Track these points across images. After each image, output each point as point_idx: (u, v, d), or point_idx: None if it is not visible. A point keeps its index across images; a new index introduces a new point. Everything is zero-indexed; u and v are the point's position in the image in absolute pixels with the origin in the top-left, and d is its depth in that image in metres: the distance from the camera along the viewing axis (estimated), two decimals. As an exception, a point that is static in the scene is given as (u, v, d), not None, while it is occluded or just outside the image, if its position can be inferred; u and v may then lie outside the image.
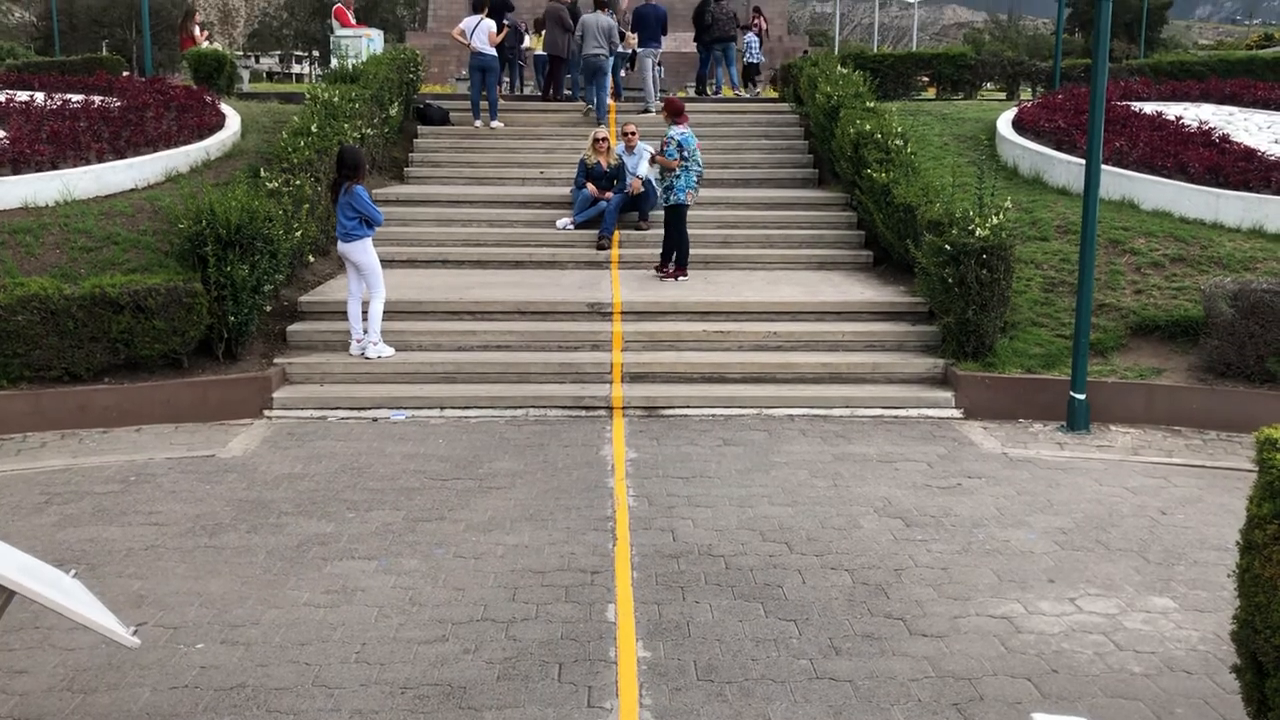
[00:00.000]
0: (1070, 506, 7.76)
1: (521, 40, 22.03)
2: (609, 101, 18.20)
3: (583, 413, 10.02)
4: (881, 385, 10.55)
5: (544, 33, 19.53)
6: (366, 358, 10.61)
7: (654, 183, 13.96)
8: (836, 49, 41.87)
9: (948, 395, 10.28)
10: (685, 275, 12.65)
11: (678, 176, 12.35)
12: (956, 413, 10.13)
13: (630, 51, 19.97)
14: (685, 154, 12.33)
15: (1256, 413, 9.45)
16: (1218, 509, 7.73)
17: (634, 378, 10.49)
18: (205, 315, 10.00)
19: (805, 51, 27.39)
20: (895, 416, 10.05)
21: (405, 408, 10.06)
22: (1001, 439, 9.48)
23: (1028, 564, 6.68)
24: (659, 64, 20.00)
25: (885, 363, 10.77)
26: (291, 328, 11.05)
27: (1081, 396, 9.69)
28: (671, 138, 12.42)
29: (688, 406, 10.13)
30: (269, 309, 10.86)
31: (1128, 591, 6.29)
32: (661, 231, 12.89)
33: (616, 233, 13.82)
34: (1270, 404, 9.59)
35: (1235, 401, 9.76)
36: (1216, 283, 10.31)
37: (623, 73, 20.86)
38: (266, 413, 9.98)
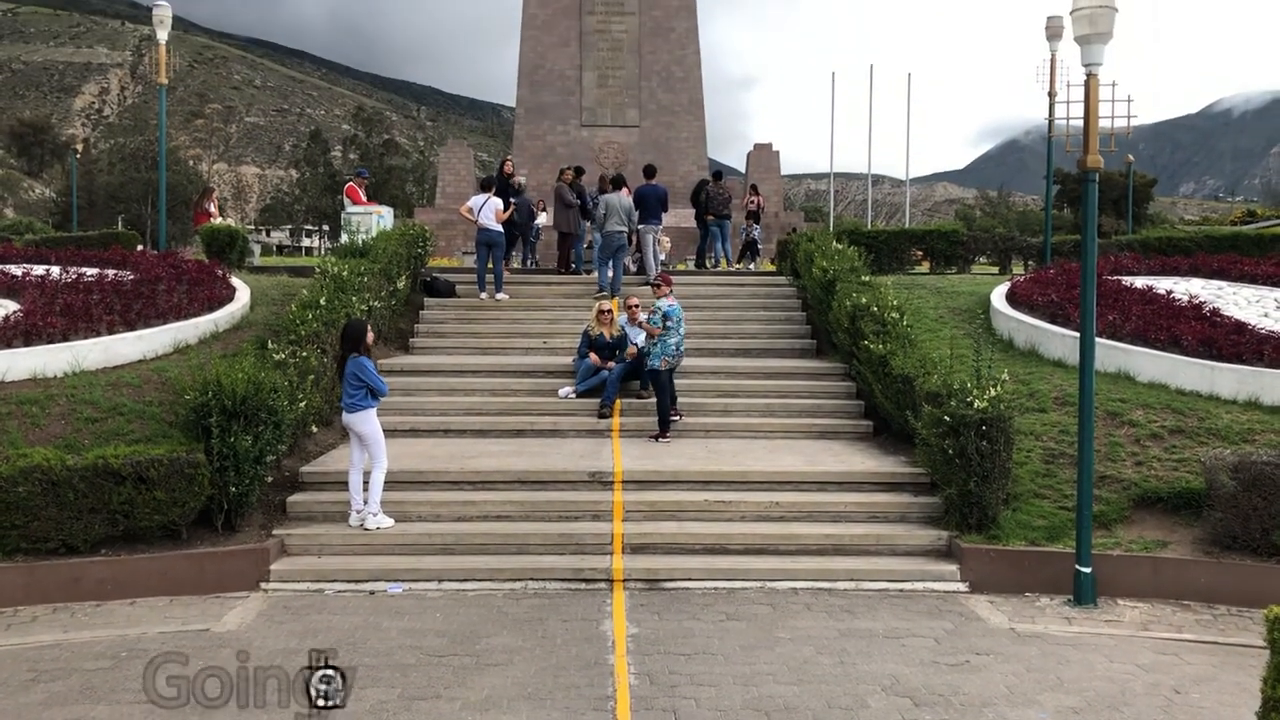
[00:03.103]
0: (1081, 684, 7.57)
1: (534, 218, 22.73)
2: (609, 275, 18.62)
3: (582, 585, 9.87)
4: (886, 558, 10.44)
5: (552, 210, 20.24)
6: (366, 529, 10.53)
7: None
8: (831, 224, 43.16)
9: (952, 568, 10.16)
10: (665, 438, 13.08)
11: (655, 344, 13.17)
12: (962, 586, 9.99)
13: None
14: (670, 323, 13.16)
15: (1266, 587, 9.33)
16: (1233, 688, 7.54)
17: (635, 549, 10.40)
18: (206, 486, 9.99)
19: (795, 229, 28.26)
20: (900, 590, 9.90)
21: (403, 580, 9.93)
22: (1008, 614, 9.33)
23: (1041, 746, 6.47)
24: (659, 239, 20.56)
25: (889, 534, 10.68)
26: (292, 498, 11.02)
27: (1087, 570, 9.58)
28: (659, 307, 13.30)
29: (689, 579, 9.99)
30: (270, 479, 10.84)
31: (1146, 776, 6.07)
32: (665, 400, 13.27)
33: (618, 401, 13.95)
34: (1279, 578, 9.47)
35: (1243, 576, 9.64)
36: (1216, 455, 10.33)
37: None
38: (263, 585, 9.85)
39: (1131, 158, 54.29)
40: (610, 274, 18.43)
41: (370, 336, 11.14)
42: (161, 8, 19.64)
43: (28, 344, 12.13)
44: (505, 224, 18.56)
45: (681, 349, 13.48)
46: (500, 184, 20.42)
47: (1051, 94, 21.99)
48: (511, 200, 19.87)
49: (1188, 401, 12.27)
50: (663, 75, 35.42)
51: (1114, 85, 10.25)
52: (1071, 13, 9.69)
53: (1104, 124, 10.09)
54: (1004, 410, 10.46)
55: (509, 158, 22.06)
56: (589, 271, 19.91)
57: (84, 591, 9.53)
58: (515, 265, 20.25)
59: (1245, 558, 9.79)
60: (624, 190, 18.83)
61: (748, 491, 11.30)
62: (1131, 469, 11.11)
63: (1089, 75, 9.77)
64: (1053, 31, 21.42)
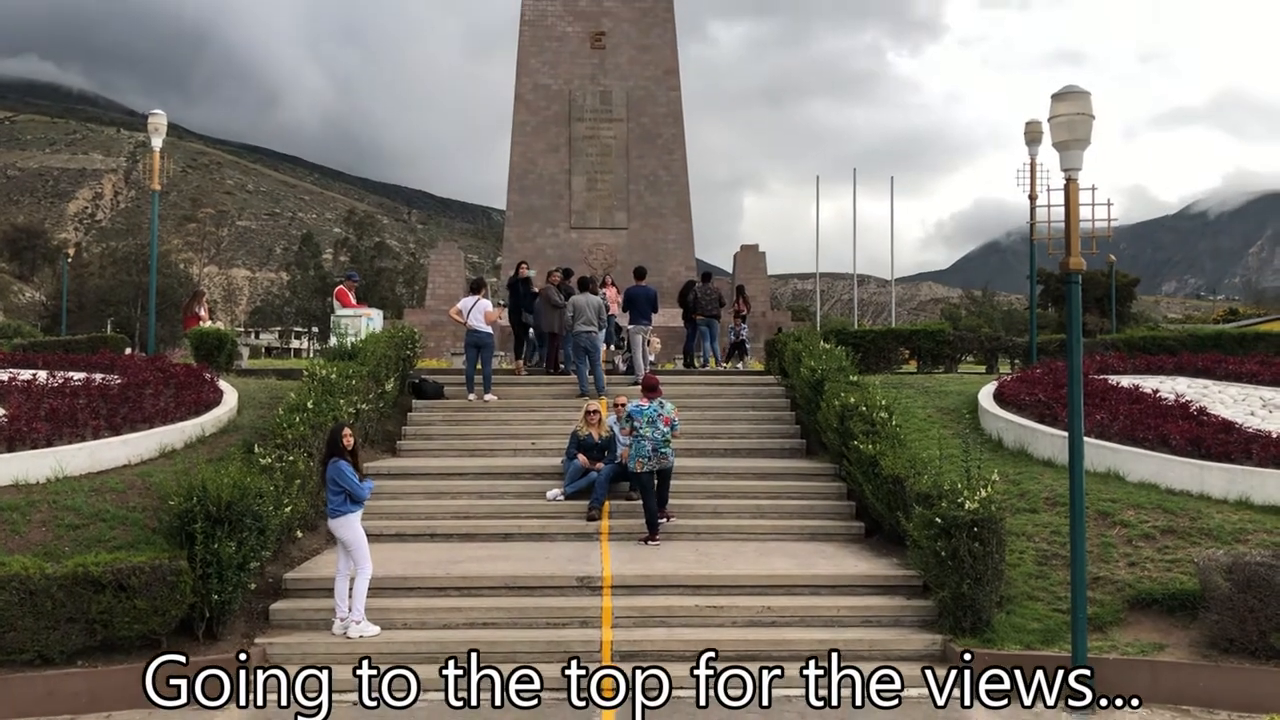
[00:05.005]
0: (1084, 796, 7.37)
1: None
2: (589, 377, 18.63)
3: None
4: (880, 663, 10.24)
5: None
6: (349, 637, 10.33)
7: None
8: (818, 324, 43.51)
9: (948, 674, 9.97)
10: (655, 540, 12.91)
11: (629, 445, 13.17)
12: (957, 692, 9.78)
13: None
14: (635, 425, 13.06)
15: (1266, 691, 9.17)
16: (1238, 798, 7.36)
17: (624, 656, 10.19)
18: (189, 594, 9.81)
19: (781, 328, 28.45)
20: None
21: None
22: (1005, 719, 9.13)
23: None
24: (649, 340, 20.68)
25: (882, 640, 10.51)
26: (275, 605, 10.81)
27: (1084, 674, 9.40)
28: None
29: (680, 687, 9.77)
30: (253, 586, 10.65)
31: None
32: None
33: (607, 503, 13.81)
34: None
35: (1243, 679, 9.47)
36: (1210, 556, 10.25)
37: (611, 346, 21.59)
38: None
39: (1114, 258, 55.12)
40: (590, 376, 18.46)
41: (350, 440, 10.97)
42: (157, 115, 19.96)
43: (11, 450, 12.02)
44: (520, 324, 18.76)
45: (662, 450, 13.01)
46: (515, 284, 20.65)
47: (1032, 197, 22.33)
48: (500, 303, 19.99)
49: (1178, 501, 12.22)
50: (650, 179, 36.03)
51: (1094, 189, 10.45)
52: (1050, 119, 9.91)
53: (1085, 226, 10.25)
54: (995, 511, 10.41)
55: (524, 261, 22.22)
56: (573, 370, 19.91)
57: (58, 705, 9.26)
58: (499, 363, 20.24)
59: (1244, 660, 9.64)
60: (609, 290, 18.97)
61: (739, 596, 11.14)
62: (1125, 570, 11.01)
63: (1069, 180, 9.95)
64: (1031, 136, 21.86)
